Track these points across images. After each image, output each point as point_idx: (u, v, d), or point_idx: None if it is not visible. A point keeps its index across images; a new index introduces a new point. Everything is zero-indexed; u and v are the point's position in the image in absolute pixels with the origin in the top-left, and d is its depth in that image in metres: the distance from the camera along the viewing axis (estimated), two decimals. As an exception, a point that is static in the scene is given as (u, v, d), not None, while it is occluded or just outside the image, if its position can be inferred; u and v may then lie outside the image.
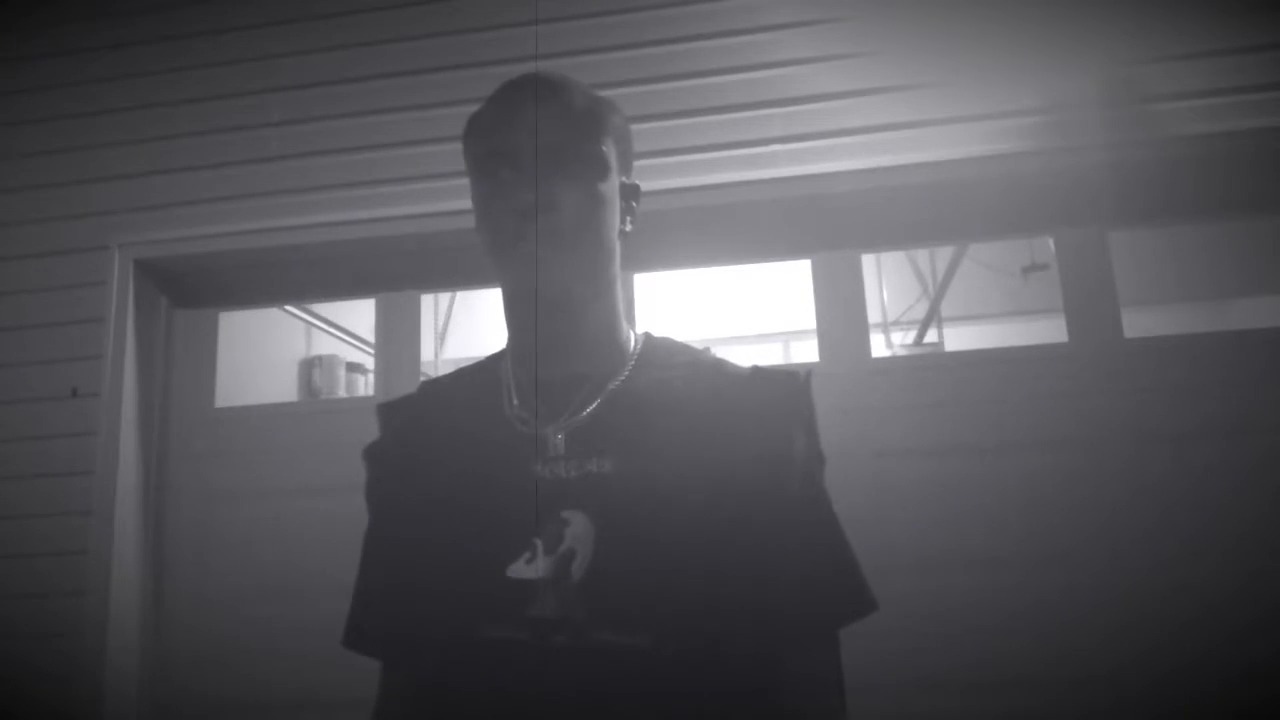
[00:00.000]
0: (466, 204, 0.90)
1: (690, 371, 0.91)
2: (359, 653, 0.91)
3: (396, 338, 2.51)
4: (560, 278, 0.84)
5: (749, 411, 0.86)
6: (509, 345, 0.94)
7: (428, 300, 3.02)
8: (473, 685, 0.79)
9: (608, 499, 0.81)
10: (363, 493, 0.95)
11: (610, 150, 0.88)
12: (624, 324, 0.94)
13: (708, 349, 0.95)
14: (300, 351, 4.04)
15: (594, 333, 0.90)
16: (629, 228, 0.93)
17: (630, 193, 0.93)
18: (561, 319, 0.88)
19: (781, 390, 0.88)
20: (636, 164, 0.98)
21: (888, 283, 5.15)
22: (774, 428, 0.86)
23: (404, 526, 0.88)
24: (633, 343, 0.94)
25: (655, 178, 2.17)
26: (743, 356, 0.96)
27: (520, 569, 0.79)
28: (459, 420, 0.92)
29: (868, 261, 3.86)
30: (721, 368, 0.92)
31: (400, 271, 2.49)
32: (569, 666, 0.76)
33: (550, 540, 0.80)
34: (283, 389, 3.85)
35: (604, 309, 0.91)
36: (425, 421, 0.93)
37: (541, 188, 0.83)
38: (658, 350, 0.94)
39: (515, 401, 0.89)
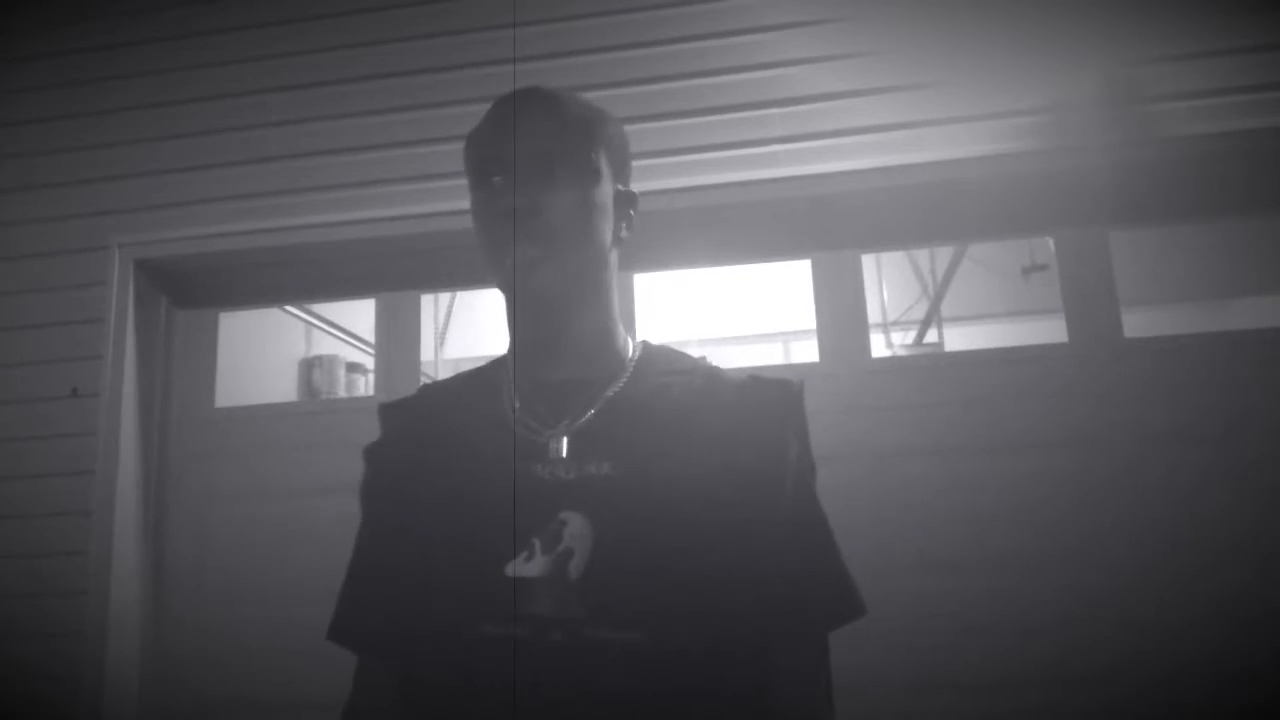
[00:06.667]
0: (466, 204, 0.91)
1: (687, 379, 0.92)
2: (345, 646, 0.91)
3: (396, 338, 2.51)
4: (547, 280, 0.85)
5: (745, 418, 0.87)
6: (509, 349, 0.95)
7: (428, 300, 3.02)
8: (469, 681, 0.80)
9: (606, 500, 0.82)
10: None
11: (601, 159, 0.89)
12: (620, 330, 0.95)
13: (704, 358, 0.97)
14: (300, 351, 4.04)
15: (588, 336, 0.91)
16: (625, 234, 0.94)
17: (627, 200, 0.94)
18: (553, 321, 0.89)
19: (776, 397, 0.90)
20: (637, 164, 0.99)
21: (888, 283, 5.15)
22: (769, 434, 0.87)
23: (401, 525, 0.89)
24: (630, 349, 0.95)
25: (655, 178, 2.17)
26: (743, 357, 0.97)
27: (518, 567, 0.80)
28: (460, 422, 0.92)
29: (868, 261, 3.86)
30: (717, 375, 0.93)
31: (400, 271, 2.49)
32: (565, 663, 0.77)
33: (548, 539, 0.80)
34: (283, 389, 3.85)
35: (598, 313, 0.92)
36: (426, 422, 0.94)
37: (528, 192, 0.84)
38: (656, 358, 0.95)
39: (516, 404, 0.90)
